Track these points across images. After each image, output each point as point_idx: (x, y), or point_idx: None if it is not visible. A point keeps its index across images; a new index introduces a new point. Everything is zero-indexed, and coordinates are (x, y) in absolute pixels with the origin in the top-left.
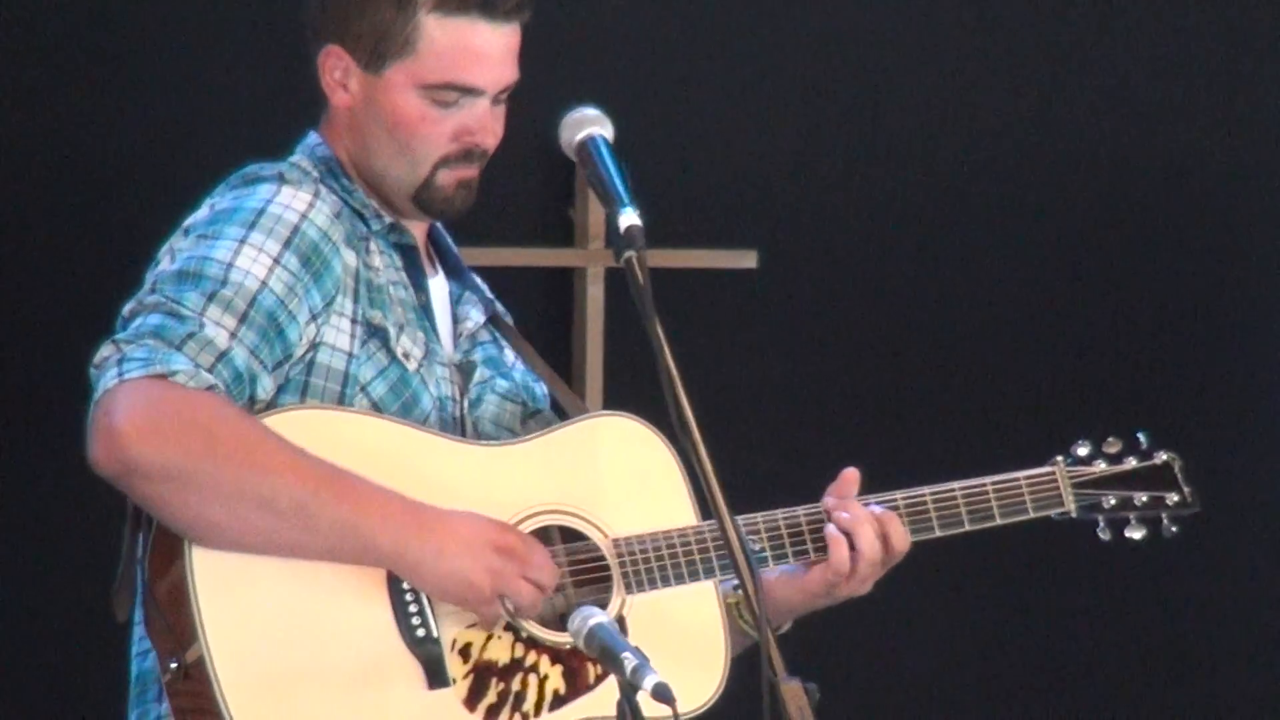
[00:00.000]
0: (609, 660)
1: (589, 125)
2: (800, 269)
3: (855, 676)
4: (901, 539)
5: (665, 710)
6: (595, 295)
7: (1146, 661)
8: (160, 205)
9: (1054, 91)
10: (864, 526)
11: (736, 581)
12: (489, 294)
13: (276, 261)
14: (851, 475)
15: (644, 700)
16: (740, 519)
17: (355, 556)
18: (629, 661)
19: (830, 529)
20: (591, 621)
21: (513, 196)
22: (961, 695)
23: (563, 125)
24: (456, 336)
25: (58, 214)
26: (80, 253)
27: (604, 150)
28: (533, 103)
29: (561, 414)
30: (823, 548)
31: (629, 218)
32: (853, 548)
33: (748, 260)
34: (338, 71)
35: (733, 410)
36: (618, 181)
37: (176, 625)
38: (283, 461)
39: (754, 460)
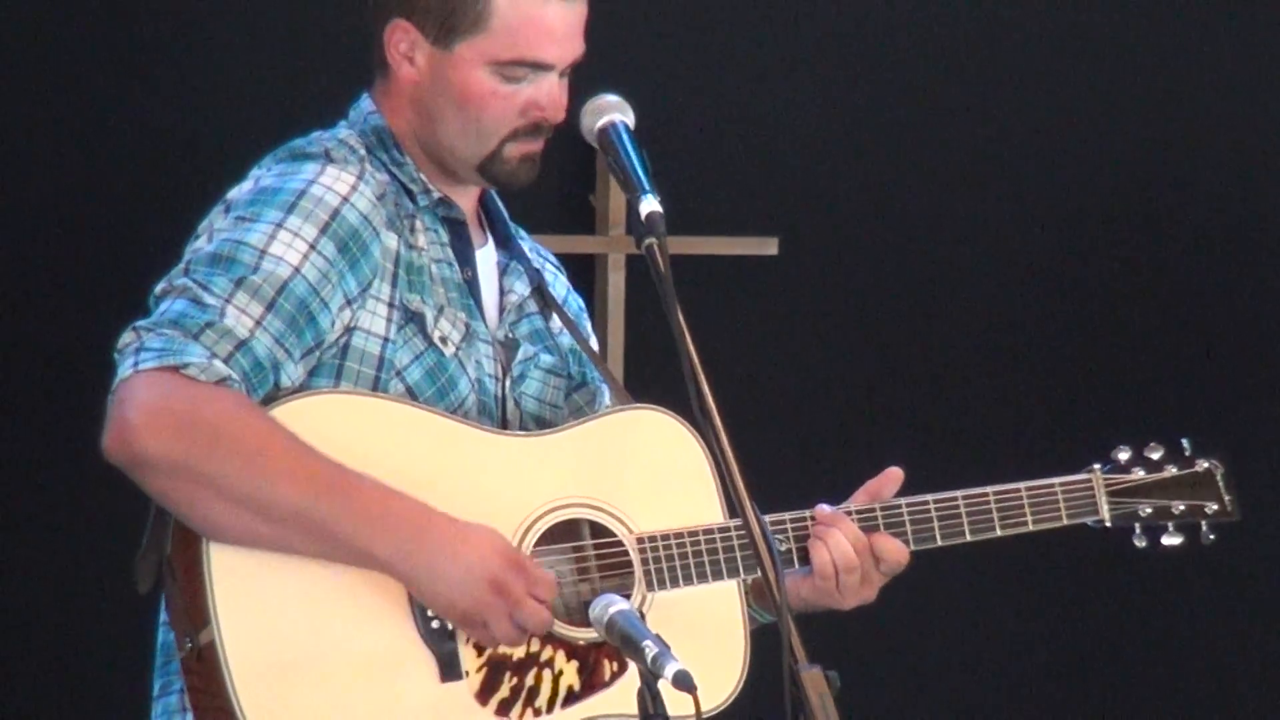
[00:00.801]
0: (629, 647)
1: (610, 111)
2: (821, 256)
3: (876, 666)
4: (894, 553)
5: (682, 710)
6: (616, 282)
7: (1169, 666)
8: (192, 186)
9: (1089, 80)
10: (834, 535)
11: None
12: (536, 263)
13: (312, 247)
14: (894, 474)
15: (667, 693)
16: (768, 518)
17: (354, 563)
18: (650, 649)
19: (812, 535)
20: (613, 609)
21: (534, 183)
22: (981, 685)
23: (584, 111)
24: (502, 309)
25: (88, 194)
26: (114, 230)
27: (625, 137)
28: None
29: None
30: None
31: (650, 204)
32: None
33: (769, 247)
34: (404, 45)
35: (754, 397)
36: (639, 168)
37: (192, 606)
38: (286, 465)
39: (775, 447)
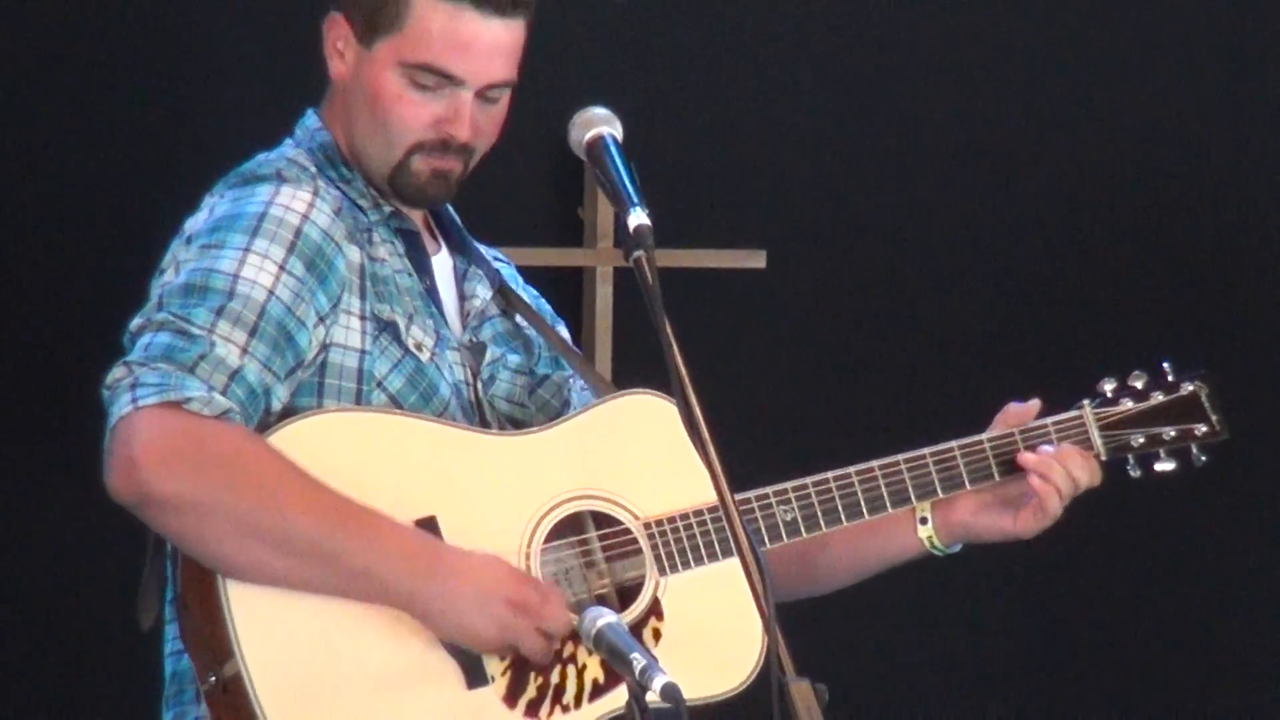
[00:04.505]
0: (618, 660)
1: (598, 124)
2: (809, 269)
3: (864, 677)
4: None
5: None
6: (605, 295)
7: (1164, 652)
8: (165, 210)
9: (1065, 88)
10: (1058, 468)
11: (920, 508)
12: (494, 264)
13: (282, 268)
14: (1035, 406)
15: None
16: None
17: (369, 599)
18: (637, 662)
19: (1036, 481)
20: (600, 622)
21: (522, 196)
22: (969, 695)
23: (572, 124)
24: (464, 315)
25: (64, 220)
26: (89, 256)
27: (613, 149)
28: (542, 102)
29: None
30: (1008, 473)
31: (638, 217)
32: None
33: (757, 260)
34: (339, 41)
35: (742, 410)
36: (627, 181)
37: (212, 640)
38: (300, 501)
39: (763, 459)
